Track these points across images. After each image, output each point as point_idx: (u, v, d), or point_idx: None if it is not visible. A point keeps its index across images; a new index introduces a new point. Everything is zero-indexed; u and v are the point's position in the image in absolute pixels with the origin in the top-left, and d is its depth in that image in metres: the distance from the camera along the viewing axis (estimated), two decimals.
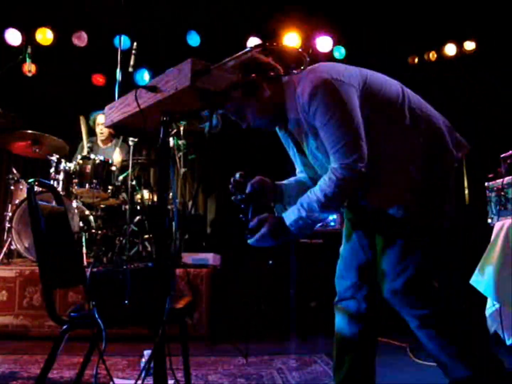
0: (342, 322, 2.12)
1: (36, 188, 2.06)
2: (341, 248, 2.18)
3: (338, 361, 2.10)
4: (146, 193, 4.98)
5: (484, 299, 2.86)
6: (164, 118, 1.56)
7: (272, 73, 1.92)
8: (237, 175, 2.08)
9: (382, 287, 1.93)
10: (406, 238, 1.89)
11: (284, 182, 2.21)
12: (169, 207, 4.36)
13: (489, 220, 3.13)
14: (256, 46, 1.59)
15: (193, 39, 6.20)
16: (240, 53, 1.42)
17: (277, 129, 2.17)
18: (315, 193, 1.87)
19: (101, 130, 5.34)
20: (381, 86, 1.94)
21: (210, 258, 4.27)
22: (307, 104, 1.84)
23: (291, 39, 6.12)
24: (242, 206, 2.03)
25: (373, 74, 1.98)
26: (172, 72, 1.46)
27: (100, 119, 5.29)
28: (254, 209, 2.03)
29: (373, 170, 1.83)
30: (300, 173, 2.24)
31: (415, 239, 1.90)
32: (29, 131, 4.59)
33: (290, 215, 1.92)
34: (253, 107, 1.96)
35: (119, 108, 1.75)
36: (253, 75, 1.87)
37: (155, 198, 4.94)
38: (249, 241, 1.97)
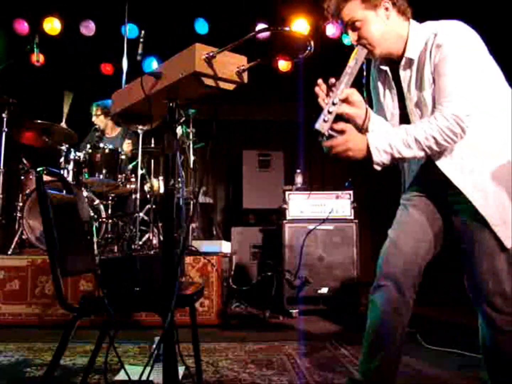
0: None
1: (46, 178, 2.07)
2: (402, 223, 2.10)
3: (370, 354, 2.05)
4: (155, 182, 4.99)
5: None
6: (171, 104, 1.56)
7: (403, 5, 1.96)
8: (333, 79, 1.94)
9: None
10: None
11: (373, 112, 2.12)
12: (178, 195, 4.37)
13: None
14: (262, 30, 1.58)
15: (201, 27, 6.18)
16: (244, 38, 1.40)
17: (372, 66, 2.15)
18: (414, 128, 1.84)
19: (95, 120, 5.30)
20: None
21: (221, 245, 4.28)
22: (441, 46, 1.85)
23: (300, 25, 6.07)
24: (330, 108, 1.86)
25: None
26: (178, 58, 1.46)
27: (93, 110, 5.26)
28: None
29: None
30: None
31: None
32: (39, 121, 4.61)
33: (378, 138, 1.86)
34: (377, 24, 1.95)
35: (126, 96, 1.75)
36: None
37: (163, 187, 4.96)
38: (324, 143, 1.85)
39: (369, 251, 5.75)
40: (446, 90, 1.83)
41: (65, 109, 5.17)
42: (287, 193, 4.64)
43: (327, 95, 1.92)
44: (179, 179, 3.47)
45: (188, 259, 3.88)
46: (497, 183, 1.86)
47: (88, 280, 3.80)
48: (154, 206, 4.82)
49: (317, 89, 1.96)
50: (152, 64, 5.97)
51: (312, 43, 1.44)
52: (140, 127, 4.58)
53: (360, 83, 2.12)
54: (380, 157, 1.84)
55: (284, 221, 4.51)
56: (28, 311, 3.87)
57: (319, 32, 6.13)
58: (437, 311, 4.45)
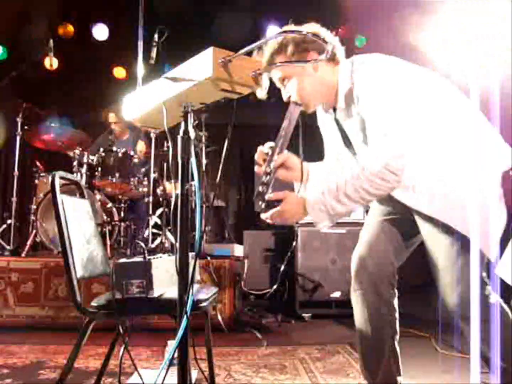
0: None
1: (60, 181, 2.08)
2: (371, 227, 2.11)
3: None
4: (168, 185, 5.00)
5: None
6: (186, 109, 1.56)
7: (328, 51, 1.91)
8: (266, 146, 1.99)
9: None
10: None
11: (312, 164, 2.16)
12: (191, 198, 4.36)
13: None
14: (280, 33, 1.57)
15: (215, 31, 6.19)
16: (262, 41, 1.40)
17: (318, 111, 2.14)
18: (344, 183, 1.80)
19: (114, 127, 5.32)
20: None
21: (233, 249, 4.28)
22: (358, 97, 1.83)
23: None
24: (265, 179, 1.91)
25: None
26: (194, 62, 1.45)
27: (111, 118, 5.30)
28: (274, 184, 1.93)
29: None
30: (329, 161, 2.20)
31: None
32: (53, 125, 4.64)
33: (313, 199, 1.85)
34: (306, 79, 1.94)
35: (140, 99, 1.75)
36: (309, 51, 1.89)
37: (177, 190, 4.97)
38: (262, 215, 1.90)
39: None
40: (370, 137, 1.82)
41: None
42: None
43: (264, 162, 1.96)
44: (194, 183, 3.42)
45: (201, 263, 3.88)
46: (466, 202, 1.81)
47: (101, 282, 3.81)
48: (166, 210, 4.84)
49: (256, 156, 2.00)
50: (166, 68, 5.99)
51: (330, 47, 1.43)
52: (153, 130, 4.61)
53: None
54: (318, 217, 1.83)
55: (297, 225, 4.50)
56: (41, 313, 3.89)
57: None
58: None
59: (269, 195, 1.88)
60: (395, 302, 2.04)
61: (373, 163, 1.76)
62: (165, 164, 5.23)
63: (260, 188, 1.89)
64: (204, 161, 4.87)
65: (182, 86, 1.49)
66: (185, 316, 1.44)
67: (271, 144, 1.99)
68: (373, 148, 1.81)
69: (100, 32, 6.17)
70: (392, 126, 1.77)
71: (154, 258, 1.97)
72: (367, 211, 4.43)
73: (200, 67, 1.40)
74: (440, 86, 1.93)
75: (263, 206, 1.88)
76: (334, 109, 2.03)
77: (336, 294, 4.35)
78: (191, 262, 1.53)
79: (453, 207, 1.81)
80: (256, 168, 2.00)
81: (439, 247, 1.87)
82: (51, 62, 4.77)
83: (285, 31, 1.82)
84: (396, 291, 2.05)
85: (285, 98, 1.99)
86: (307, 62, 1.57)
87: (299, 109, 1.95)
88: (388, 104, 1.79)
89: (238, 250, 4.33)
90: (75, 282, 1.88)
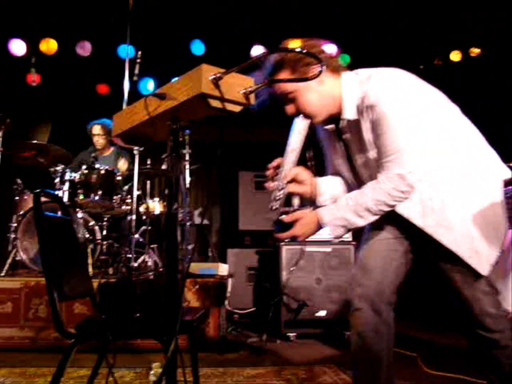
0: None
1: (42, 198, 2.03)
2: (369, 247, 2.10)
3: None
4: (151, 203, 4.94)
5: None
6: (174, 126, 1.53)
7: (334, 63, 1.94)
8: (276, 162, 2.00)
9: None
10: None
11: (322, 178, 2.15)
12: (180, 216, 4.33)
13: None
14: (272, 50, 1.56)
15: (198, 48, 6.20)
16: (254, 59, 1.38)
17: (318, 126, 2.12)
18: (361, 197, 1.85)
19: (97, 140, 5.29)
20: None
21: (217, 268, 4.22)
22: (374, 106, 1.83)
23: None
24: (278, 195, 1.94)
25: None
26: (183, 79, 1.43)
27: (95, 129, 5.25)
28: (287, 199, 1.97)
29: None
30: (334, 175, 2.19)
31: None
32: (34, 141, 4.57)
33: (329, 213, 1.90)
34: (312, 93, 1.92)
35: (128, 117, 1.72)
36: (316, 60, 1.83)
37: (160, 208, 4.93)
38: (278, 235, 1.92)
39: None
40: (386, 150, 1.83)
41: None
42: None
43: (273, 177, 1.97)
44: (181, 202, 3.42)
45: (186, 282, 3.82)
46: (460, 216, 1.86)
47: (83, 303, 3.73)
48: (149, 228, 4.77)
49: (267, 172, 2.01)
50: (148, 85, 5.97)
51: (324, 66, 1.42)
52: (136, 148, 4.56)
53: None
54: (337, 232, 1.91)
55: (281, 243, 4.47)
56: (21, 334, 3.78)
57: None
58: (440, 336, 4.40)
59: (284, 217, 1.92)
60: (392, 321, 2.00)
61: (389, 175, 1.82)
62: (148, 182, 5.18)
63: (273, 205, 1.92)
64: (188, 179, 4.82)
65: (171, 103, 1.46)
66: (173, 339, 1.40)
67: (280, 159, 1.99)
68: (389, 160, 1.82)
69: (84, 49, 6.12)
70: (408, 139, 1.81)
71: (138, 278, 1.93)
72: (349, 230, 4.45)
73: (191, 84, 1.38)
74: (442, 101, 1.96)
75: (276, 218, 1.92)
76: (335, 122, 2.02)
77: (322, 313, 4.32)
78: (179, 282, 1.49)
79: (443, 224, 1.86)
80: (267, 184, 2.01)
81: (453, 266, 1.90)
82: (33, 78, 4.73)
83: (282, 49, 1.81)
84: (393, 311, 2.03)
85: (289, 113, 1.97)
86: (308, 80, 1.56)
87: (306, 124, 1.96)
88: (406, 117, 1.82)
89: (223, 269, 4.28)
90: (57, 304, 1.82)
